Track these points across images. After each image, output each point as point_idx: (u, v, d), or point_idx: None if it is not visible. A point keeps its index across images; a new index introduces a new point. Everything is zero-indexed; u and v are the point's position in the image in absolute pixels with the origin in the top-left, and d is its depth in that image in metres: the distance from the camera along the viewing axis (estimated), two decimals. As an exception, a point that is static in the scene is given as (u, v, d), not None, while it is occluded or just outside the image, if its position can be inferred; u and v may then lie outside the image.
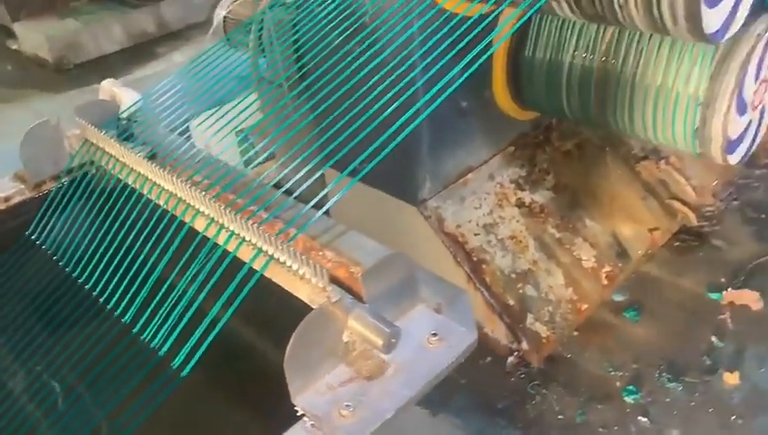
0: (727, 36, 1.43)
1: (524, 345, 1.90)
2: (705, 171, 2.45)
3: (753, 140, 1.77)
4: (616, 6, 1.40)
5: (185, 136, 1.64)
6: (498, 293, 1.96)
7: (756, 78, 1.62)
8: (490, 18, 1.48)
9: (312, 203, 0.98)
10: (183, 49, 4.30)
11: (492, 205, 2.10)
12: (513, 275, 2.00)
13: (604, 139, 2.34)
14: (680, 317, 2.01)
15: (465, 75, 1.29)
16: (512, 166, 2.20)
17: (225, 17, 2.58)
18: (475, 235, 2.02)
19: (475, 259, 1.98)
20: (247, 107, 2.21)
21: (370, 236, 2.22)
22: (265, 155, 2.67)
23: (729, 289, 2.05)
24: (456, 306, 0.79)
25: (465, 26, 1.35)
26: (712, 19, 1.32)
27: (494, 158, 2.17)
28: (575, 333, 1.99)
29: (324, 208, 0.95)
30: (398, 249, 2.15)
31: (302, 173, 1.11)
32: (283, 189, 1.09)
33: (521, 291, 1.98)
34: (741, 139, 1.71)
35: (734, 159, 1.71)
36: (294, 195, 1.08)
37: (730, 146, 1.66)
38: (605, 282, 2.08)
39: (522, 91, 2.03)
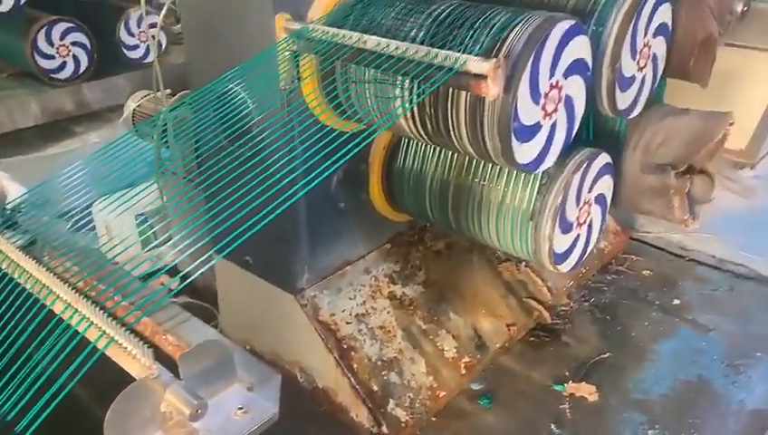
0: (544, 167, 1.73)
1: (384, 429, 2.07)
2: (561, 275, 2.76)
3: (585, 250, 2.06)
4: (454, 139, 1.68)
5: (83, 219, 1.79)
6: (364, 379, 2.13)
7: (578, 201, 1.93)
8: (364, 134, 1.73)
9: (166, 289, 1.15)
10: (100, 130, 4.42)
11: (365, 296, 2.30)
12: (380, 363, 2.19)
13: (472, 241, 2.62)
14: (527, 406, 2.23)
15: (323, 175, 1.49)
16: (387, 261, 2.43)
17: (134, 110, 2.76)
18: (347, 323, 2.21)
19: (344, 346, 2.16)
20: (148, 193, 2.38)
21: (254, 321, 2.38)
22: (162, 238, 2.81)
23: (571, 382, 2.30)
24: (266, 386, 0.97)
25: (341, 139, 1.56)
26: (524, 154, 1.62)
27: (371, 253, 2.40)
28: (433, 419, 2.17)
29: (175, 291, 1.12)
30: (276, 335, 2.31)
31: (186, 254, 1.28)
32: (164, 270, 1.26)
33: (385, 378, 2.16)
34: (569, 251, 2.00)
35: (564, 267, 1.99)
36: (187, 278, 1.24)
37: (558, 258, 1.94)
38: (464, 371, 2.30)
39: (394, 196, 2.29)
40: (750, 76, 3.61)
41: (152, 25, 4.45)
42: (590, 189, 1.98)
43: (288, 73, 1.83)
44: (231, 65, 1.83)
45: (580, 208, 1.96)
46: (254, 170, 1.50)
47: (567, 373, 2.35)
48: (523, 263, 2.68)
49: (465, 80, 1.45)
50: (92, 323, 0.99)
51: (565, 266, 2.01)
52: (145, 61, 4.70)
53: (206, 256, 1.31)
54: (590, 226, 2.07)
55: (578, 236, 2.00)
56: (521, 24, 1.51)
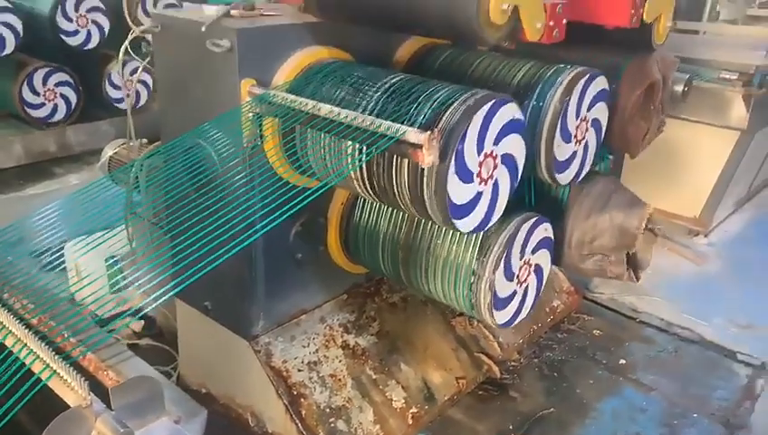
0: (485, 228, 1.86)
1: (329, 475, 2.14)
2: (513, 331, 2.87)
3: (522, 307, 2.18)
4: (399, 200, 1.82)
5: (55, 259, 1.88)
6: (311, 425, 2.21)
7: (520, 257, 2.06)
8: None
9: (110, 328, 1.25)
10: (80, 172, 4.53)
11: (319, 345, 2.40)
12: (328, 410, 2.27)
13: (428, 295, 2.73)
14: (472, 457, 2.32)
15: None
16: (343, 311, 2.53)
17: (110, 156, 2.89)
18: (299, 371, 2.30)
19: (294, 393, 2.24)
20: (120, 236, 2.48)
21: (211, 365, 2.46)
22: (129, 281, 2.90)
23: (513, 435, 2.39)
24: (192, 420, 1.07)
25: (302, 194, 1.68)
26: (466, 223, 1.76)
27: (327, 303, 2.50)
28: (378, 467, 2.24)
29: (113, 332, 1.23)
30: (231, 379, 2.38)
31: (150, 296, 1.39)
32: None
33: (333, 425, 2.24)
34: (508, 307, 2.12)
35: (502, 322, 2.11)
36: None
37: (497, 312, 2.06)
38: (411, 422, 2.38)
39: (351, 250, 2.41)
40: (702, 148, 3.83)
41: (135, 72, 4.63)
42: (532, 252, 2.11)
43: (251, 132, 1.98)
44: (199, 122, 1.98)
45: (521, 266, 2.09)
46: (214, 217, 1.63)
47: (511, 427, 2.44)
48: (476, 319, 2.79)
49: (405, 148, 1.59)
50: (38, 356, 1.09)
51: (502, 318, 2.11)
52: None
53: (164, 295, 1.42)
54: (526, 288, 2.19)
55: (515, 292, 2.13)
56: (458, 101, 1.67)
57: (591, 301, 3.30)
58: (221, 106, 1.98)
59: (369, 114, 1.75)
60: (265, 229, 1.67)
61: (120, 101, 4.71)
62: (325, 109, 1.74)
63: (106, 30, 4.35)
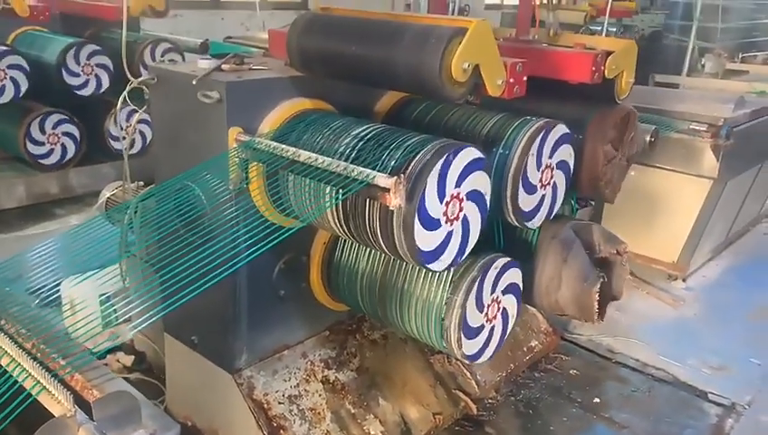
0: (452, 265, 1.99)
1: (306, 505, 2.21)
2: (491, 369, 2.97)
3: (486, 344, 2.28)
4: (372, 240, 1.96)
5: (51, 295, 2.00)
6: (290, 456, 2.30)
7: (491, 292, 2.18)
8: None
9: (98, 353, 1.37)
10: (81, 213, 4.68)
11: (300, 379, 2.50)
12: (307, 442, 2.36)
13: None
14: (444, 491, 2.39)
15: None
16: (324, 347, 2.64)
17: (108, 198, 3.04)
18: (280, 403, 2.40)
19: (274, 425, 2.34)
20: (114, 274, 2.61)
21: (196, 398, 2.55)
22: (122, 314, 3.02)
23: (487, 470, 2.47)
24: (166, 433, 1.18)
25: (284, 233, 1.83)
26: (439, 264, 1.89)
27: (309, 339, 2.61)
28: (354, 498, 2.32)
29: (99, 353, 1.35)
30: (215, 411, 2.48)
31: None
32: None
33: (311, 456, 2.33)
34: (478, 343, 2.24)
35: (468, 349, 2.21)
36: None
37: (468, 334, 2.17)
38: (387, 455, 2.47)
39: (332, 287, 2.54)
40: (678, 196, 3.98)
41: (142, 121, 4.83)
42: (503, 293, 2.24)
43: (237, 175, 2.13)
44: (191, 165, 2.13)
45: (490, 302, 2.21)
46: (203, 254, 1.76)
47: (485, 462, 2.53)
48: (455, 357, 2.89)
49: (375, 191, 1.74)
50: (30, 374, 1.21)
51: (470, 348, 2.21)
52: (130, 151, 5.03)
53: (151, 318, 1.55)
54: (493, 328, 2.29)
55: (482, 326, 2.24)
56: (426, 149, 1.83)
57: (569, 341, 3.40)
58: (211, 151, 2.14)
59: (346, 160, 1.90)
60: (247, 260, 1.82)
61: (122, 149, 4.90)
62: (304, 155, 1.89)
63: (109, 79, 4.57)
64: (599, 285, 2.41)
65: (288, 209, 2.12)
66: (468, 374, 2.88)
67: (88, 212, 4.69)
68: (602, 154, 2.50)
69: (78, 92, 4.37)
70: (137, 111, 4.89)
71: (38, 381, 1.19)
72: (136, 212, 2.41)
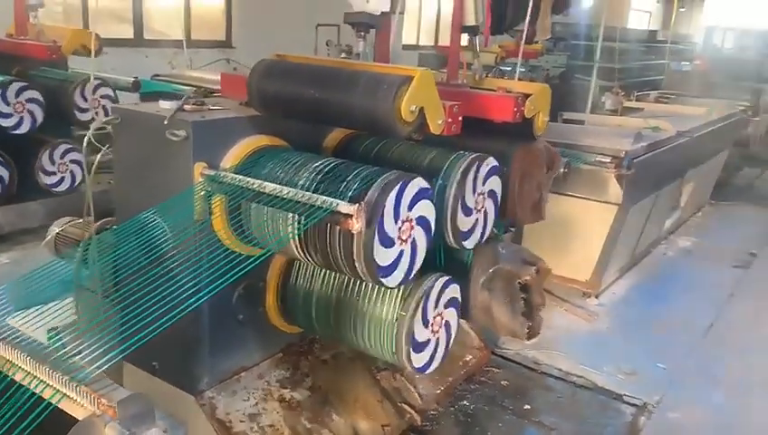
0: (404, 282, 2.24)
1: None
2: (432, 383, 3.22)
3: (433, 357, 2.53)
4: (332, 262, 2.18)
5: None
6: (253, 470, 2.44)
7: (435, 308, 2.44)
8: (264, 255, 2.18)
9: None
10: (10, 251, 4.63)
11: (258, 398, 2.65)
12: (268, 456, 2.51)
13: (355, 352, 3.05)
14: (396, 495, 2.59)
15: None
16: (279, 368, 2.81)
17: (57, 233, 3.10)
18: (241, 422, 2.54)
19: (237, 441, 2.48)
20: (63, 308, 2.68)
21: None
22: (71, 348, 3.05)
23: (433, 473, 2.69)
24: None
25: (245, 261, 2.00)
26: (392, 279, 2.13)
27: (265, 361, 2.78)
28: (313, 507, 2.48)
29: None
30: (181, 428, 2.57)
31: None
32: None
33: (272, 469, 2.48)
34: (426, 355, 2.48)
35: (417, 361, 2.45)
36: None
37: (416, 359, 2.41)
38: (342, 465, 2.64)
39: (287, 310, 2.72)
40: (589, 221, 4.41)
41: (75, 161, 4.88)
42: (445, 307, 2.50)
43: (201, 207, 2.30)
44: (156, 199, 2.29)
45: (435, 317, 2.46)
46: (167, 285, 1.91)
47: (431, 467, 2.75)
48: (399, 372, 3.12)
49: (338, 217, 1.97)
50: (48, 384, 1.34)
51: (418, 361, 2.45)
52: (59, 189, 5.02)
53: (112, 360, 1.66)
54: (438, 339, 2.55)
55: (429, 339, 2.49)
56: (380, 179, 2.08)
57: (499, 356, 3.70)
58: (176, 185, 2.30)
59: (306, 191, 2.12)
60: (216, 289, 1.99)
61: (54, 184, 4.92)
62: (270, 186, 2.10)
63: (42, 113, 4.59)
64: (521, 307, 2.72)
65: (251, 239, 2.31)
66: (412, 388, 3.11)
67: (17, 250, 4.65)
68: (524, 184, 2.83)
69: (14, 132, 4.37)
70: (72, 151, 4.93)
71: (58, 390, 1.33)
72: (98, 245, 2.51)
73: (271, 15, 9.52)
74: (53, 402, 1.32)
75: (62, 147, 4.91)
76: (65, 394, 1.32)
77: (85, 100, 4.89)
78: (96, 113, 4.85)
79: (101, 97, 4.97)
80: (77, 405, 1.30)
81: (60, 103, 4.84)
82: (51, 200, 4.97)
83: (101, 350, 1.81)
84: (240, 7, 9.64)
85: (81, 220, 3.07)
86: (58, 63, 5.13)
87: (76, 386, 1.31)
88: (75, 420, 1.35)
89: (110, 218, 2.82)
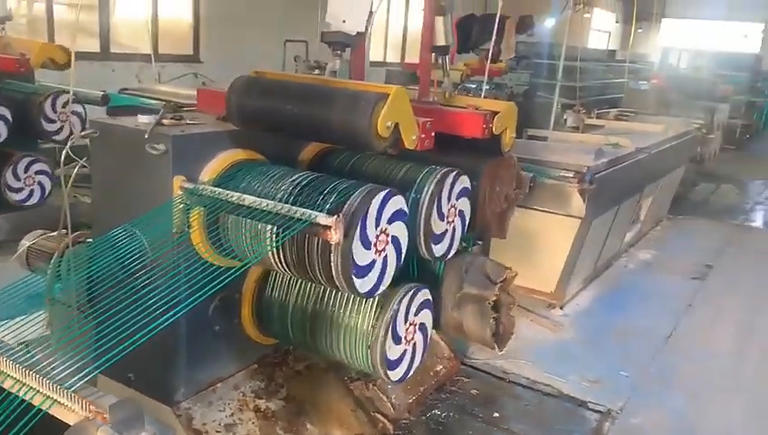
0: (379, 291, 2.31)
1: None
2: (404, 392, 3.28)
3: (411, 365, 2.61)
4: (310, 272, 2.24)
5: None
6: (230, 479, 2.47)
7: (404, 322, 2.51)
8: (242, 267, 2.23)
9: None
10: (-26, 266, 4.54)
11: (234, 409, 2.69)
12: (244, 466, 2.54)
13: (329, 363, 3.10)
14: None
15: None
16: (254, 379, 2.84)
17: (29, 247, 3.09)
18: (217, 432, 2.57)
19: (214, 451, 2.51)
20: (33, 322, 2.67)
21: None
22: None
23: (406, 480, 2.75)
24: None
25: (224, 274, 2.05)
26: (363, 284, 2.20)
27: (240, 372, 2.81)
28: None
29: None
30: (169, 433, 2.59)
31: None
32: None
33: (249, 479, 2.51)
34: (399, 362, 2.55)
35: (394, 376, 2.52)
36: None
37: (390, 366, 2.48)
38: (317, 474, 2.69)
39: (263, 321, 2.76)
40: (553, 233, 4.56)
41: (41, 172, 4.84)
42: (415, 314, 2.58)
43: (180, 220, 2.34)
44: (134, 212, 2.32)
45: (407, 329, 2.54)
46: (145, 298, 1.94)
47: (404, 475, 2.81)
48: (371, 382, 3.18)
49: (317, 229, 2.04)
50: (39, 391, 1.37)
51: (395, 375, 2.53)
52: (26, 203, 4.97)
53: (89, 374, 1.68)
54: (414, 346, 2.63)
55: (405, 350, 2.56)
56: (356, 192, 2.16)
57: (469, 366, 3.78)
58: (155, 199, 2.34)
59: (285, 203, 2.19)
60: (196, 301, 2.03)
61: (23, 200, 4.87)
62: (249, 199, 2.16)
63: (8, 129, 4.55)
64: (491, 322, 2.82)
65: (230, 251, 2.36)
66: (384, 398, 3.17)
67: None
68: (492, 197, 2.94)
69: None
70: (37, 162, 4.89)
71: (48, 397, 1.37)
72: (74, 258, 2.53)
73: (238, 31, 9.58)
74: (44, 409, 1.35)
75: (25, 160, 4.86)
76: (56, 400, 1.35)
77: (55, 112, 4.87)
78: (62, 127, 4.83)
79: (72, 113, 4.95)
80: (68, 411, 1.33)
81: (27, 116, 4.80)
82: (15, 215, 4.90)
83: (75, 366, 1.83)
84: (208, 22, 9.66)
85: (53, 233, 3.07)
86: (25, 76, 5.10)
87: (68, 392, 1.34)
88: (63, 427, 1.38)
89: (84, 232, 2.83)
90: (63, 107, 4.89)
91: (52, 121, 4.88)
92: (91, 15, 8.40)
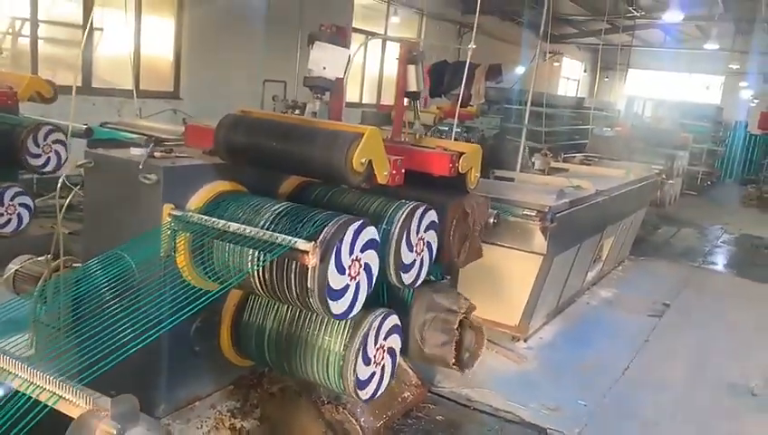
0: (352, 315, 2.50)
1: None
2: (372, 417, 3.44)
3: (379, 386, 2.78)
4: (287, 295, 2.43)
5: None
6: (206, 493, 2.60)
7: (375, 344, 2.70)
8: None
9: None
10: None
11: (210, 427, 2.82)
12: (220, 481, 2.67)
13: (302, 386, 3.26)
14: None
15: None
16: (230, 399, 2.99)
17: (15, 271, 3.22)
18: (194, 448, 2.71)
19: (191, 466, 2.64)
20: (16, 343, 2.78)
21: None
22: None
23: (373, 497, 2.90)
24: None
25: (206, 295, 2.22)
26: (337, 306, 2.39)
27: (217, 392, 2.95)
28: None
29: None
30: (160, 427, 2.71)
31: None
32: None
33: (224, 493, 2.64)
34: (369, 382, 2.73)
35: (365, 395, 2.70)
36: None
37: (361, 386, 2.65)
38: (289, 490, 2.82)
39: (240, 343, 2.93)
40: (517, 269, 4.79)
41: (23, 204, 4.96)
42: (384, 338, 2.77)
43: (167, 245, 2.52)
44: (125, 238, 2.50)
45: (376, 351, 2.72)
46: (131, 318, 2.10)
47: (372, 492, 2.95)
48: (341, 405, 3.33)
49: (296, 254, 2.24)
50: (44, 389, 1.53)
51: (365, 394, 2.70)
52: (4, 230, 5.07)
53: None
54: (383, 367, 2.81)
55: (374, 373, 2.74)
56: (332, 222, 2.37)
57: (435, 393, 3.96)
58: (145, 225, 2.52)
59: (266, 230, 2.38)
60: (178, 320, 2.19)
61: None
62: (234, 226, 2.36)
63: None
64: (454, 344, 3.03)
65: (213, 274, 2.54)
66: (354, 421, 3.32)
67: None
68: (457, 231, 3.17)
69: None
70: (22, 194, 5.01)
71: (54, 393, 1.53)
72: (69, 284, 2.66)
73: (218, 70, 9.85)
74: (50, 404, 1.52)
75: (12, 190, 4.98)
76: (62, 396, 1.52)
77: (37, 145, 5.02)
78: (49, 159, 4.99)
79: (53, 142, 5.11)
80: (72, 405, 1.50)
81: (11, 148, 4.95)
82: (-3, 242, 4.99)
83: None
84: (189, 60, 9.91)
85: (40, 258, 3.20)
86: (10, 109, 5.26)
87: (72, 388, 1.51)
88: (64, 423, 1.54)
89: (72, 257, 2.97)
90: (46, 139, 5.04)
91: (36, 154, 5.02)
92: (74, 50, 8.59)
